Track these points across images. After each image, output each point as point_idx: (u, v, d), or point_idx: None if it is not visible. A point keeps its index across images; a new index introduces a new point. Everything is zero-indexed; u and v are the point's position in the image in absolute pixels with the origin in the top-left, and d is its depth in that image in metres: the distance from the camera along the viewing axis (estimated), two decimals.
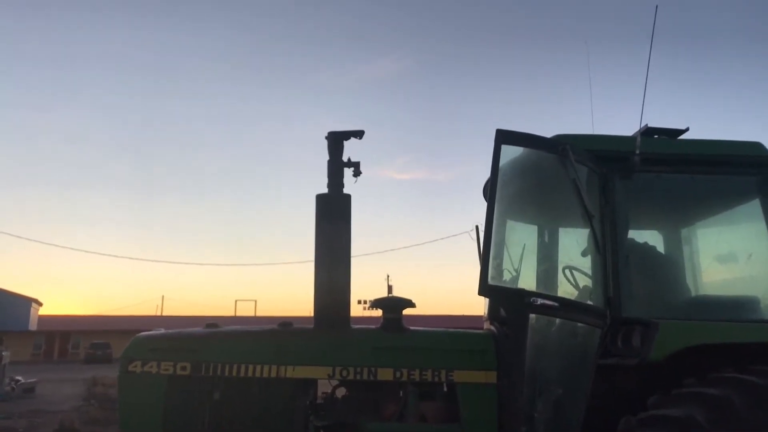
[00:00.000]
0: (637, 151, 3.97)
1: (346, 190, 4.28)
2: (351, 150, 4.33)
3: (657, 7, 4.10)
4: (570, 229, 4.51)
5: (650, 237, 4.78)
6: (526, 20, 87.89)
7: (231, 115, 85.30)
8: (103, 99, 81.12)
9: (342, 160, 4.28)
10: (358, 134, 4.28)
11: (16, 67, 75.24)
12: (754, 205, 4.14)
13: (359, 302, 37.05)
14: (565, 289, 4.23)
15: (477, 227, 5.12)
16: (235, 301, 55.92)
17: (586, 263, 4.14)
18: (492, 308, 4.35)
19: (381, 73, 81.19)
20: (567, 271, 4.29)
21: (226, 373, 3.92)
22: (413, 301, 4.19)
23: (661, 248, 4.72)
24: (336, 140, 4.28)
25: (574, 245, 4.28)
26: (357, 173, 4.31)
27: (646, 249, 4.46)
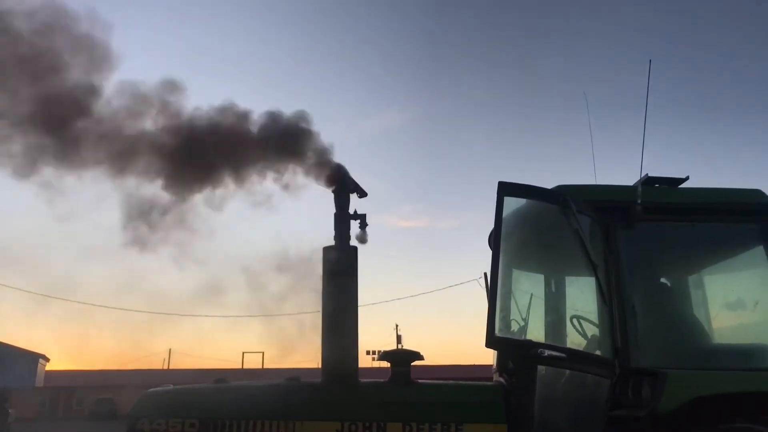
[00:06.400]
0: (639, 201, 4.02)
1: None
2: (356, 200, 4.43)
3: (651, 61, 4.25)
4: (577, 279, 4.52)
5: (655, 286, 4.78)
6: (528, 72, 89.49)
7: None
8: None
9: (348, 213, 4.35)
10: (360, 193, 4.39)
11: None
12: (758, 252, 4.15)
13: (368, 353, 36.52)
14: (573, 339, 4.22)
15: (485, 274, 5.14)
16: (242, 353, 55.13)
17: (593, 313, 4.14)
18: (501, 359, 4.33)
19: (385, 125, 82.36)
20: (575, 321, 4.28)
21: (234, 430, 3.89)
22: (421, 353, 4.18)
23: (667, 297, 4.71)
24: (342, 193, 4.37)
25: (581, 295, 4.29)
26: (363, 225, 4.37)
27: (653, 298, 4.45)
